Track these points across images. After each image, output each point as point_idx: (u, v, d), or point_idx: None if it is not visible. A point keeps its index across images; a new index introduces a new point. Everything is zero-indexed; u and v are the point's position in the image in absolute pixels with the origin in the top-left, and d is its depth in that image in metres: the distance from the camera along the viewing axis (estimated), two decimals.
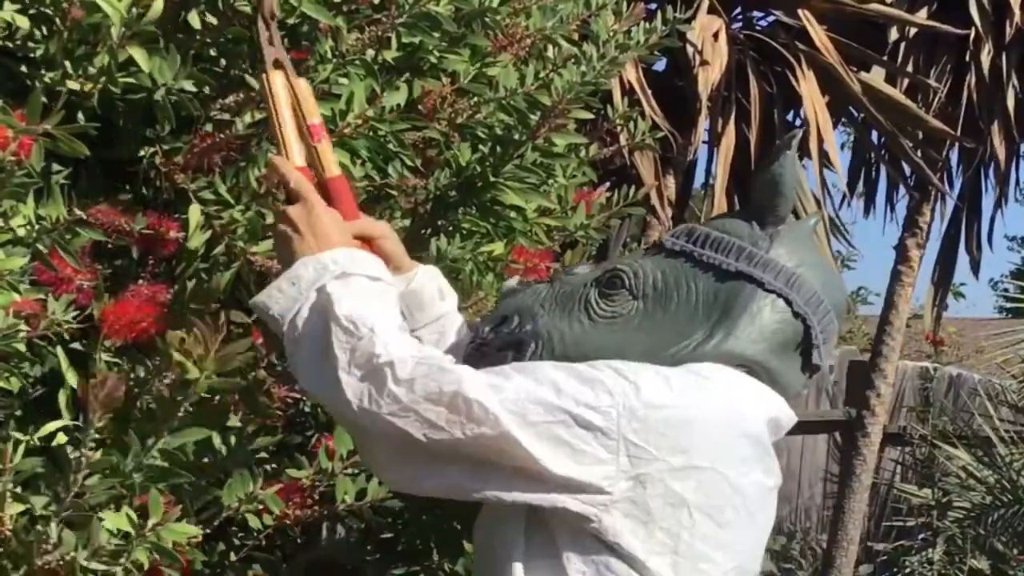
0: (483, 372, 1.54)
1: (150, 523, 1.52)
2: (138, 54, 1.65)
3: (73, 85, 1.64)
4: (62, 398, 1.63)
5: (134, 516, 1.53)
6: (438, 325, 1.80)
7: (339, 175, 1.71)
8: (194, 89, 1.72)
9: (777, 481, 1.65)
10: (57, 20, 1.62)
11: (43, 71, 1.65)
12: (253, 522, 1.83)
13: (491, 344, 1.67)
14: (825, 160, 4.70)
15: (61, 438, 1.60)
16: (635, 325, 1.63)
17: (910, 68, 5.23)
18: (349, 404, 1.50)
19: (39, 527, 1.52)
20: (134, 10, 1.63)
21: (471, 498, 1.54)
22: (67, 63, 1.64)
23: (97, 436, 1.49)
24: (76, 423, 1.61)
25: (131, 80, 1.68)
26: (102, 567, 1.52)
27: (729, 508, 1.55)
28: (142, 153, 1.78)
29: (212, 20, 1.77)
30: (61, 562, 1.51)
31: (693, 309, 1.63)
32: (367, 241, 1.71)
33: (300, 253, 1.58)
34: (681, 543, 1.52)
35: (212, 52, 1.83)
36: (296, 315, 1.56)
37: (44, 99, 1.52)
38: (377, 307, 1.57)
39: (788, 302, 1.63)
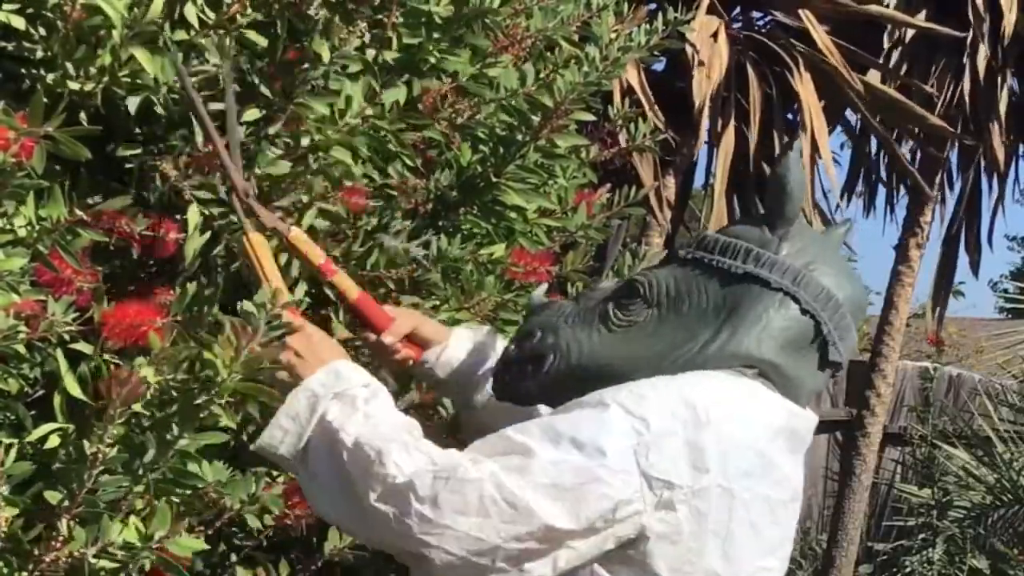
0: (497, 451, 1.54)
1: (157, 535, 1.52)
2: (141, 54, 1.65)
3: (74, 86, 1.64)
4: (57, 401, 1.63)
5: (142, 528, 1.53)
6: (482, 380, 1.86)
7: (362, 293, 1.81)
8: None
9: (793, 494, 1.67)
10: (58, 22, 1.61)
11: (43, 72, 1.65)
12: (253, 522, 1.83)
13: (514, 360, 1.73)
14: (819, 155, 4.70)
15: (54, 440, 1.60)
16: (649, 332, 1.66)
17: (907, 70, 5.23)
18: (381, 531, 1.52)
19: (46, 524, 1.52)
20: (135, 10, 1.63)
21: None
22: (68, 64, 1.64)
23: (116, 432, 1.49)
24: (71, 425, 1.61)
25: (132, 80, 1.68)
26: (111, 565, 1.52)
27: (736, 523, 1.57)
28: (139, 151, 1.77)
29: (210, 15, 1.77)
30: (69, 559, 1.51)
31: (703, 312, 1.66)
32: (406, 338, 1.83)
33: (303, 377, 1.60)
34: (704, 560, 1.55)
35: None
36: (305, 451, 1.57)
37: (45, 100, 1.52)
38: (381, 424, 1.57)
39: (795, 300, 1.65)
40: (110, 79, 1.66)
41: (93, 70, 1.65)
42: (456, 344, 1.87)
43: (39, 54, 1.65)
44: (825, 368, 1.69)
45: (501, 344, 1.87)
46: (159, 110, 1.74)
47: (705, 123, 4.47)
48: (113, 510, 1.57)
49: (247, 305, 1.56)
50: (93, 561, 1.52)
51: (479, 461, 1.52)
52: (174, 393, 1.57)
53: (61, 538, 1.52)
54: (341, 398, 1.57)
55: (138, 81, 1.68)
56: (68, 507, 1.53)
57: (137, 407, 1.57)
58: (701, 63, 4.40)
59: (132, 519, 1.57)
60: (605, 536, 1.52)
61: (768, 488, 1.62)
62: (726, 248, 1.68)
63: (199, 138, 1.75)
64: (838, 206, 5.75)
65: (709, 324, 1.64)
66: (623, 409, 1.55)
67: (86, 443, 1.51)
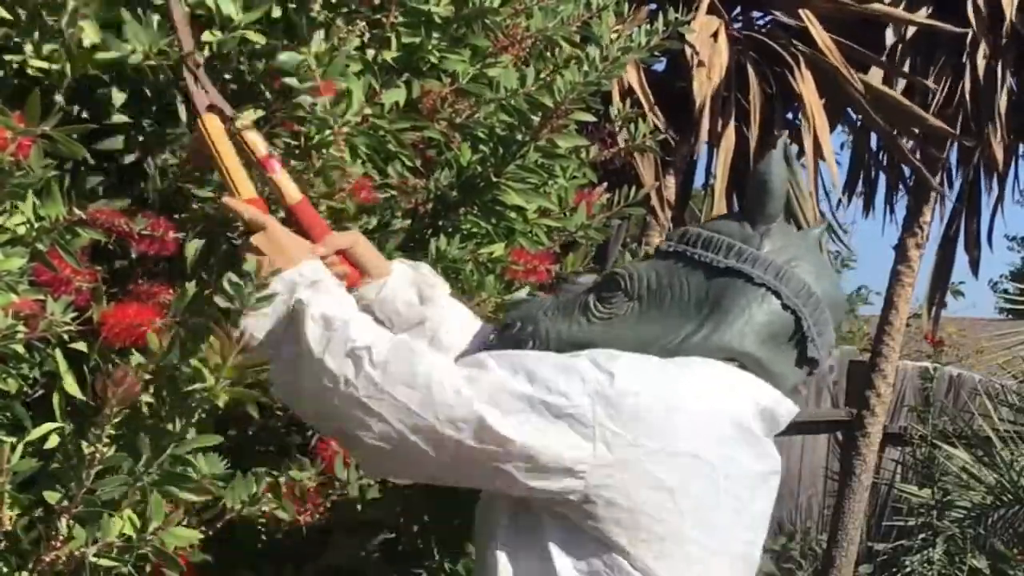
0: (460, 362, 1.57)
1: (151, 527, 1.52)
2: (88, 27, 1.61)
3: (39, 64, 1.61)
4: (56, 400, 1.62)
5: (136, 520, 1.53)
6: (422, 329, 1.81)
7: (302, 199, 1.74)
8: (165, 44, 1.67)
9: (773, 467, 1.67)
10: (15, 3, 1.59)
11: (6, 56, 1.62)
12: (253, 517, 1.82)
13: (493, 347, 1.71)
14: (822, 158, 4.70)
15: (54, 440, 1.60)
16: (630, 324, 1.67)
17: (907, 69, 5.23)
18: (329, 392, 1.52)
19: (47, 523, 1.52)
20: None
21: (452, 484, 1.59)
22: (28, 45, 1.61)
23: (112, 432, 1.49)
24: (70, 424, 1.61)
25: (103, 56, 1.64)
26: (110, 563, 1.52)
27: (713, 491, 1.57)
28: (120, 145, 1.76)
29: None
30: (69, 557, 1.51)
31: (685, 305, 1.67)
32: (341, 253, 1.75)
33: (267, 275, 1.59)
34: (667, 527, 1.54)
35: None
36: (275, 330, 1.57)
37: (16, 81, 1.49)
38: (349, 304, 1.61)
39: (777, 295, 1.66)
40: (82, 59, 1.61)
41: (57, 47, 1.61)
42: (397, 281, 1.81)
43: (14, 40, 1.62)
44: (803, 365, 1.69)
45: (443, 288, 1.85)
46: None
47: (705, 123, 4.46)
48: (113, 509, 1.57)
49: (231, 277, 1.56)
50: (93, 560, 1.52)
51: (440, 354, 1.57)
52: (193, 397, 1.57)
53: (61, 537, 1.52)
54: (316, 285, 1.59)
55: (107, 56, 1.64)
56: (67, 507, 1.53)
57: (145, 398, 1.57)
58: (701, 63, 4.40)
59: (127, 512, 1.56)
60: (547, 481, 1.52)
61: (751, 461, 1.62)
62: (708, 242, 1.69)
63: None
64: (839, 202, 5.76)
65: (691, 317, 1.66)
66: (591, 361, 1.56)
67: (83, 443, 1.51)
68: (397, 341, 1.56)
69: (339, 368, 1.52)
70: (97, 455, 1.49)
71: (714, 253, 1.68)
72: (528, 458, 1.52)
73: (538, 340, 1.69)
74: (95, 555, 1.52)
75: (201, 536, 1.63)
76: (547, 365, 1.55)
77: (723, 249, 1.68)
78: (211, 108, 1.70)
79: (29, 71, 1.60)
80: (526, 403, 1.52)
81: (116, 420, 1.48)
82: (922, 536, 6.95)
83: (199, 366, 1.54)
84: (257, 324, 1.58)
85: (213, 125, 1.68)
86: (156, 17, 1.67)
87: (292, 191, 1.75)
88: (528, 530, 1.57)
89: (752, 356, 1.65)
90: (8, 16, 1.61)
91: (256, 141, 1.73)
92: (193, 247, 1.75)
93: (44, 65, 1.62)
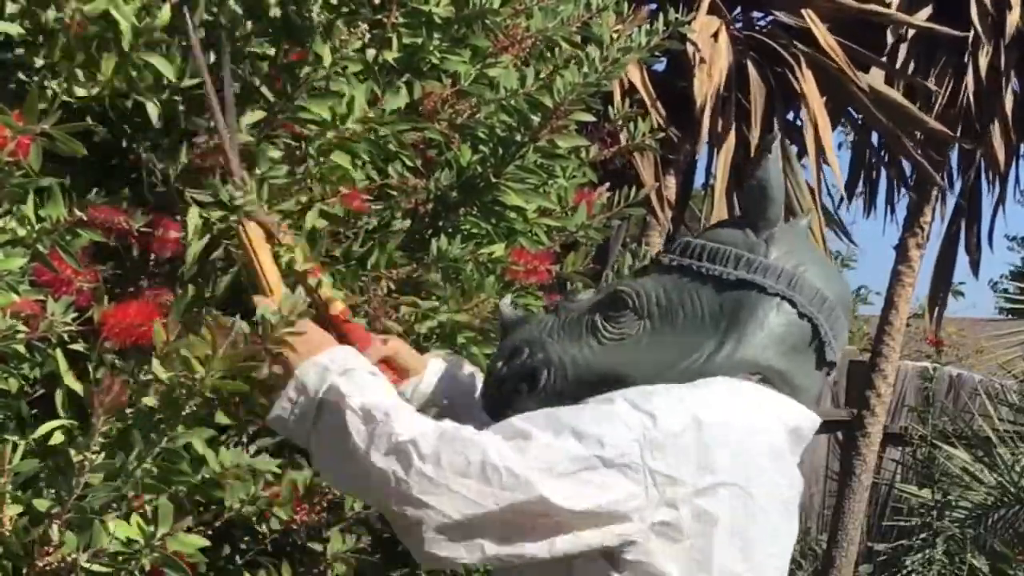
0: (501, 432, 1.53)
1: (158, 533, 1.52)
2: (156, 60, 1.66)
3: (81, 92, 1.64)
4: (59, 399, 1.63)
5: (144, 525, 1.53)
6: (463, 405, 1.81)
7: (343, 309, 1.75)
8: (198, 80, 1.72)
9: (799, 491, 1.66)
10: (60, 34, 1.61)
11: (48, 80, 1.64)
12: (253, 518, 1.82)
13: (505, 379, 1.69)
14: (824, 160, 4.70)
15: (58, 437, 1.60)
16: (644, 344, 1.65)
17: (909, 69, 5.23)
18: (381, 490, 1.49)
19: (41, 528, 1.52)
20: (146, 19, 1.63)
21: (513, 565, 1.53)
22: (78, 71, 1.63)
23: (102, 439, 1.49)
24: (73, 423, 1.61)
25: (146, 84, 1.68)
26: (103, 569, 1.52)
27: (754, 524, 1.56)
28: (141, 152, 1.77)
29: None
30: (62, 563, 1.51)
31: (700, 322, 1.64)
32: (384, 362, 1.76)
33: (296, 366, 1.57)
34: (714, 561, 1.53)
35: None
36: (313, 421, 1.55)
37: (46, 104, 1.52)
38: (386, 392, 1.57)
39: (792, 303, 1.64)
40: (125, 82, 1.65)
41: (100, 76, 1.64)
42: (431, 375, 1.82)
43: (40, 62, 1.64)
44: (822, 367, 1.68)
45: (471, 372, 1.85)
46: (153, 113, 1.73)
47: (706, 123, 4.46)
48: (104, 515, 1.56)
49: (263, 309, 1.55)
50: (86, 565, 1.52)
51: (483, 432, 1.52)
52: (183, 391, 1.57)
53: (53, 543, 1.52)
54: (349, 374, 1.56)
55: (144, 84, 1.67)
56: (58, 513, 1.52)
57: (150, 401, 1.56)
58: (703, 60, 4.40)
59: (134, 517, 1.56)
60: (605, 531, 1.51)
61: (785, 487, 1.61)
62: (715, 255, 1.66)
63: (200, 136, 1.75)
64: (842, 199, 5.75)
65: (708, 334, 1.63)
66: (629, 404, 1.54)
67: (71, 450, 1.51)
68: (443, 430, 1.51)
69: (387, 465, 1.48)
70: (87, 463, 1.48)
71: (722, 265, 1.65)
72: (591, 517, 1.51)
73: (552, 367, 1.65)
74: (87, 561, 1.52)
75: (207, 544, 1.63)
76: (588, 418, 1.52)
77: (731, 260, 1.65)
78: (254, 221, 1.71)
79: (67, 98, 1.62)
80: (580, 464, 1.49)
81: (104, 428, 1.47)
82: (922, 536, 6.96)
83: (188, 357, 1.53)
84: (284, 410, 1.55)
85: (254, 233, 1.69)
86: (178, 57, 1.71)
87: (335, 301, 1.76)
88: (581, 567, 1.56)
89: (775, 369, 1.63)
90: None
91: (301, 251, 1.74)
92: (193, 248, 1.75)
93: (84, 93, 1.64)
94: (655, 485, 1.51)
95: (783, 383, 1.64)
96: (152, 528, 1.56)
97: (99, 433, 1.47)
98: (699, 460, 1.52)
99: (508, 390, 1.69)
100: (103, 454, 1.50)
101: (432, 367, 1.84)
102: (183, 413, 1.58)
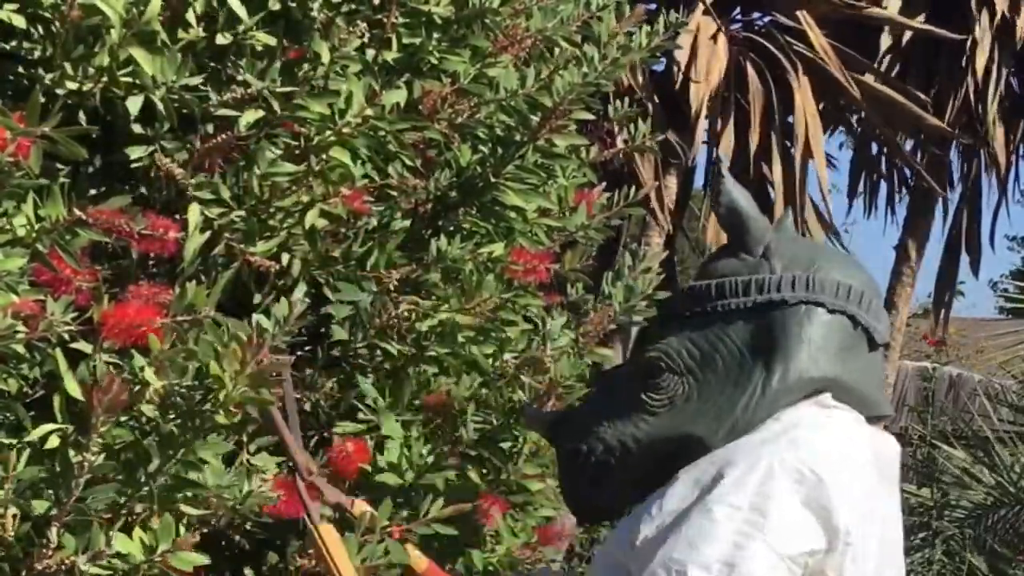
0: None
1: (160, 549, 1.51)
2: (139, 54, 1.65)
3: (72, 85, 1.64)
4: (57, 401, 1.62)
5: (147, 540, 1.52)
6: None
7: (429, 563, 1.81)
8: (198, 81, 1.72)
9: (900, 527, 1.65)
10: (56, 22, 1.61)
11: (41, 72, 1.65)
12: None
13: (581, 484, 1.67)
14: (819, 185, 4.71)
15: (53, 441, 1.59)
16: (697, 399, 1.61)
17: (907, 72, 5.24)
18: None
19: (40, 530, 1.52)
20: (133, 10, 1.63)
21: None
22: (66, 64, 1.64)
23: (100, 441, 1.48)
24: (68, 427, 1.61)
25: (131, 80, 1.68)
26: (102, 572, 1.51)
27: (863, 570, 1.54)
28: (141, 153, 1.77)
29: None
30: (61, 566, 1.51)
31: (740, 359, 1.61)
32: None
33: None
34: None
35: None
36: None
37: (43, 99, 1.52)
38: None
39: (820, 305, 1.61)
40: (108, 79, 1.65)
41: (92, 70, 1.65)
42: None
43: (37, 54, 1.65)
44: (874, 350, 1.65)
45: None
46: (161, 108, 1.74)
47: (704, 124, 4.47)
48: (106, 519, 1.56)
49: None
50: (84, 568, 1.51)
51: None
52: (178, 399, 1.56)
53: (52, 546, 1.51)
54: None
55: (136, 81, 1.68)
56: (57, 515, 1.52)
57: (148, 410, 1.56)
58: (700, 63, 4.40)
59: (136, 531, 1.55)
60: None
61: (881, 528, 1.59)
62: (723, 289, 1.63)
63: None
64: (850, 210, 5.75)
65: (753, 367, 1.59)
66: (729, 507, 1.49)
67: (71, 451, 1.50)
68: None
69: None
70: (86, 464, 1.48)
71: (735, 297, 1.62)
72: None
73: (617, 452, 1.63)
74: (85, 563, 1.51)
75: (206, 561, 1.62)
76: (702, 547, 1.48)
77: (741, 289, 1.62)
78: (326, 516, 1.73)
79: (60, 92, 1.61)
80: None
81: (103, 429, 1.46)
82: (922, 536, 6.95)
83: (217, 372, 1.53)
84: None
85: (331, 537, 1.68)
86: (178, 54, 1.70)
87: (419, 561, 1.79)
88: None
89: (831, 379, 1.60)
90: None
91: (376, 526, 1.78)
92: (192, 244, 1.75)
93: (76, 87, 1.64)
94: (797, 566, 1.48)
95: (842, 390, 1.61)
96: (153, 543, 1.55)
97: (97, 433, 1.46)
98: (822, 522, 1.49)
99: (586, 491, 1.67)
100: (103, 455, 1.50)
101: None
102: (205, 426, 1.58)
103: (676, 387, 1.62)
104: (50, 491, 1.55)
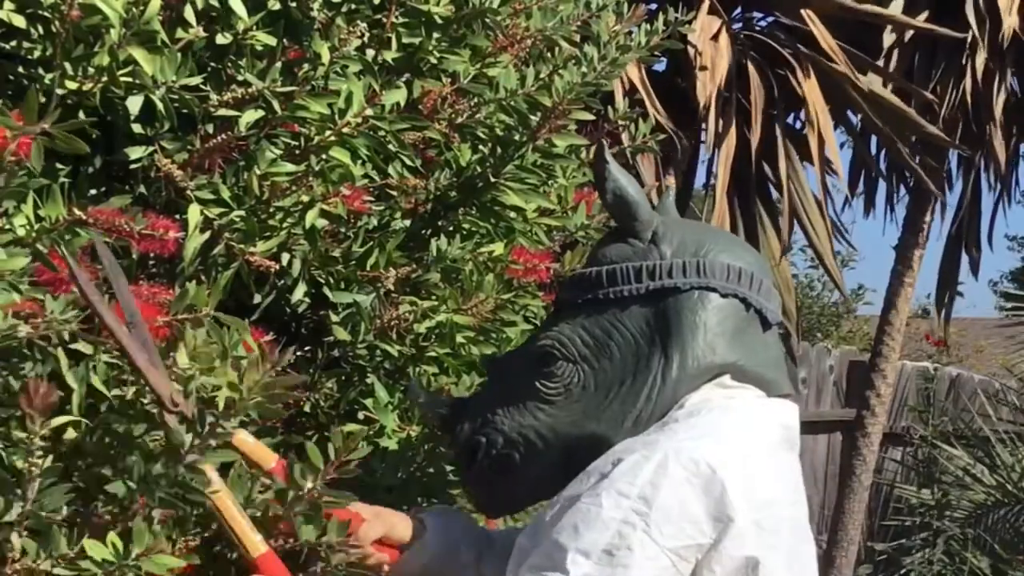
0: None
1: (133, 552, 1.50)
2: (139, 54, 1.65)
3: (72, 85, 1.64)
4: (75, 400, 1.61)
5: (119, 544, 1.51)
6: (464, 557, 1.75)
7: (278, 460, 1.67)
8: (198, 80, 1.72)
9: (803, 501, 1.64)
10: (55, 22, 1.61)
11: (41, 71, 1.65)
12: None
13: (482, 475, 1.67)
14: (828, 167, 4.70)
15: (70, 433, 1.59)
16: (592, 388, 1.61)
17: (907, 71, 5.23)
18: None
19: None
20: (133, 10, 1.63)
21: None
22: (66, 64, 1.64)
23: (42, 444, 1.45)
24: (84, 420, 1.60)
25: (131, 79, 1.68)
26: (68, 573, 1.50)
27: (771, 554, 1.52)
28: (141, 153, 1.77)
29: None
30: (27, 571, 1.49)
31: (635, 346, 1.60)
32: (380, 541, 1.69)
33: None
34: None
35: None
36: None
37: (42, 99, 1.52)
38: None
39: (712, 289, 1.61)
40: (108, 79, 1.65)
41: (91, 70, 1.65)
42: (422, 544, 1.72)
43: (36, 53, 1.65)
44: (767, 329, 1.65)
45: (466, 523, 1.79)
46: (160, 108, 1.74)
47: (711, 124, 4.46)
48: (62, 523, 1.53)
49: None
50: (51, 570, 1.49)
51: None
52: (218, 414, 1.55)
53: (15, 551, 1.50)
54: None
55: (136, 81, 1.68)
56: (17, 520, 1.49)
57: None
58: (703, 67, 4.40)
59: (110, 536, 1.54)
60: None
61: (792, 509, 1.58)
62: (614, 277, 1.62)
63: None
64: (844, 206, 5.76)
65: (649, 354, 1.59)
66: (617, 494, 1.48)
67: (15, 458, 1.48)
68: None
69: None
70: (34, 468, 1.46)
71: (626, 283, 1.61)
72: None
73: (520, 448, 1.62)
74: (51, 566, 1.49)
75: (181, 564, 1.61)
76: (583, 532, 1.47)
77: (632, 275, 1.61)
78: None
79: (60, 91, 1.61)
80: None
81: (43, 432, 1.44)
82: (922, 536, 6.96)
83: (232, 379, 1.52)
84: None
85: (221, 500, 1.60)
86: (178, 54, 1.70)
87: (266, 455, 1.67)
88: None
89: (731, 364, 1.60)
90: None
91: (261, 452, 1.66)
92: (193, 246, 1.75)
93: (76, 87, 1.64)
94: (682, 559, 1.48)
95: (743, 375, 1.61)
96: (127, 548, 1.52)
97: (38, 436, 1.43)
98: (712, 513, 1.48)
99: (487, 485, 1.66)
100: (50, 458, 1.47)
101: (431, 525, 1.74)
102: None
103: (571, 375, 1.62)
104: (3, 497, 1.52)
